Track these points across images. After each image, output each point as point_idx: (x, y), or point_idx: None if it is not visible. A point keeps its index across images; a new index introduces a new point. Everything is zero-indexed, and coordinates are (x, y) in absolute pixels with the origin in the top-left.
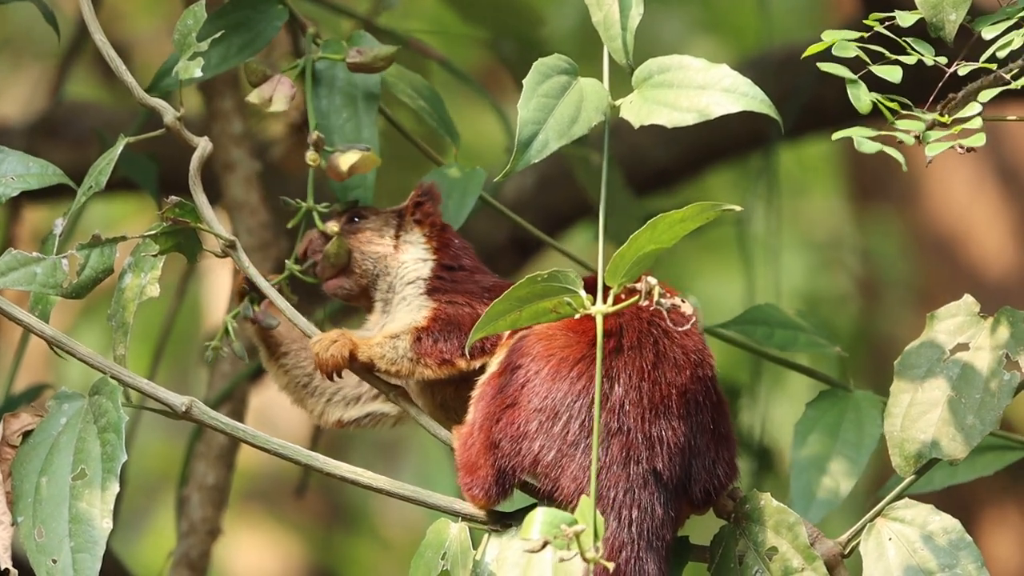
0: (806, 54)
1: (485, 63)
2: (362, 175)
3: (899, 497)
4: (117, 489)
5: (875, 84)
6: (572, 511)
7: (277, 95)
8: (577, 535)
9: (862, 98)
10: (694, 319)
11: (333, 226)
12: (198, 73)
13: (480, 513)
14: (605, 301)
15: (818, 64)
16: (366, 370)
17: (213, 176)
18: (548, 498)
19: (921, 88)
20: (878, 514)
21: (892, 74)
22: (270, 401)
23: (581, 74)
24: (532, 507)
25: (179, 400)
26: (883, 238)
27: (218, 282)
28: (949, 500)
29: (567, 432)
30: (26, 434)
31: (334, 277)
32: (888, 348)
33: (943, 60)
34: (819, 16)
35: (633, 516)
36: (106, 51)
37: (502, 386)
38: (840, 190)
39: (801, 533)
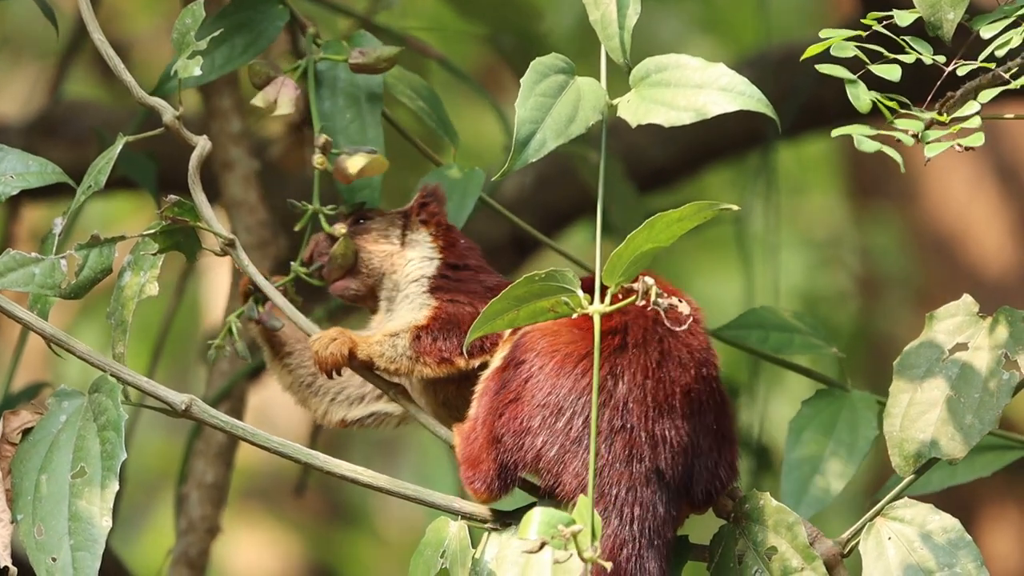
0: (805, 56)
1: (484, 61)
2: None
3: (898, 496)
4: (117, 487)
5: (874, 83)
6: (573, 507)
7: (282, 98)
8: (574, 535)
9: (861, 97)
10: (691, 319)
11: (341, 228)
12: (197, 72)
13: (480, 511)
14: (603, 300)
15: (817, 66)
16: (366, 368)
17: (211, 175)
18: (550, 494)
19: (920, 87)
20: (877, 513)
21: (891, 73)
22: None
23: (579, 73)
24: (532, 506)
25: (179, 398)
26: (882, 236)
27: (216, 280)
28: (948, 499)
29: (570, 428)
30: (26, 432)
31: (341, 279)
32: (887, 346)
33: (942, 59)
34: (818, 15)
35: (635, 514)
36: (105, 50)
37: (506, 381)
38: (839, 188)
39: (800, 533)
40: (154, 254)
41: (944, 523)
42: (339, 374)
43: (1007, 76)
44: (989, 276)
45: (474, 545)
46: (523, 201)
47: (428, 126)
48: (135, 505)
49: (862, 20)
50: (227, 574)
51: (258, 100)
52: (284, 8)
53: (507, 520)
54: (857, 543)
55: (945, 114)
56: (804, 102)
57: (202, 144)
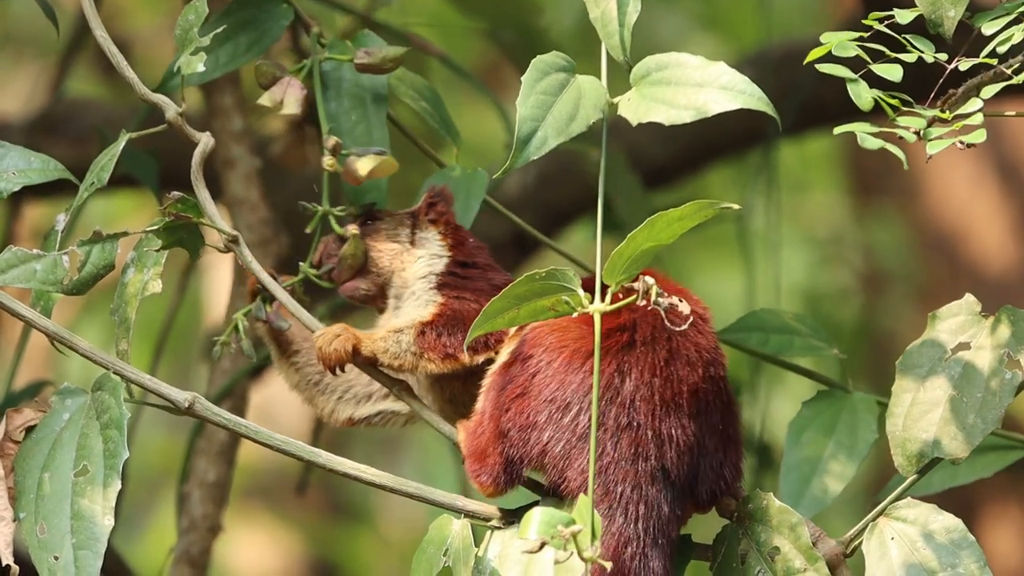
0: (808, 59)
1: (485, 59)
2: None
3: (901, 496)
4: (119, 486)
5: (875, 81)
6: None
7: (288, 97)
8: (574, 535)
9: (863, 96)
10: (695, 318)
11: (353, 229)
12: (201, 68)
13: (483, 510)
14: (604, 300)
15: (818, 66)
16: (370, 364)
17: (213, 173)
18: (554, 491)
19: (921, 85)
20: (880, 513)
21: (892, 73)
22: (271, 397)
23: (579, 71)
24: (536, 503)
25: (182, 396)
26: (884, 234)
27: (219, 278)
28: (951, 499)
29: (576, 424)
30: (29, 430)
31: (351, 279)
32: (889, 344)
33: (943, 57)
34: (819, 13)
35: (640, 512)
36: (107, 47)
37: (513, 376)
38: (841, 186)
39: (803, 533)
40: (157, 250)
41: (947, 523)
42: (343, 371)
43: (1009, 72)
44: (990, 273)
45: (477, 543)
46: (525, 199)
47: (429, 124)
48: (137, 503)
49: (863, 21)
50: (229, 572)
51: (265, 100)
52: (288, 7)
53: (510, 518)
54: (860, 543)
55: (947, 111)
56: (805, 100)
57: (205, 141)
